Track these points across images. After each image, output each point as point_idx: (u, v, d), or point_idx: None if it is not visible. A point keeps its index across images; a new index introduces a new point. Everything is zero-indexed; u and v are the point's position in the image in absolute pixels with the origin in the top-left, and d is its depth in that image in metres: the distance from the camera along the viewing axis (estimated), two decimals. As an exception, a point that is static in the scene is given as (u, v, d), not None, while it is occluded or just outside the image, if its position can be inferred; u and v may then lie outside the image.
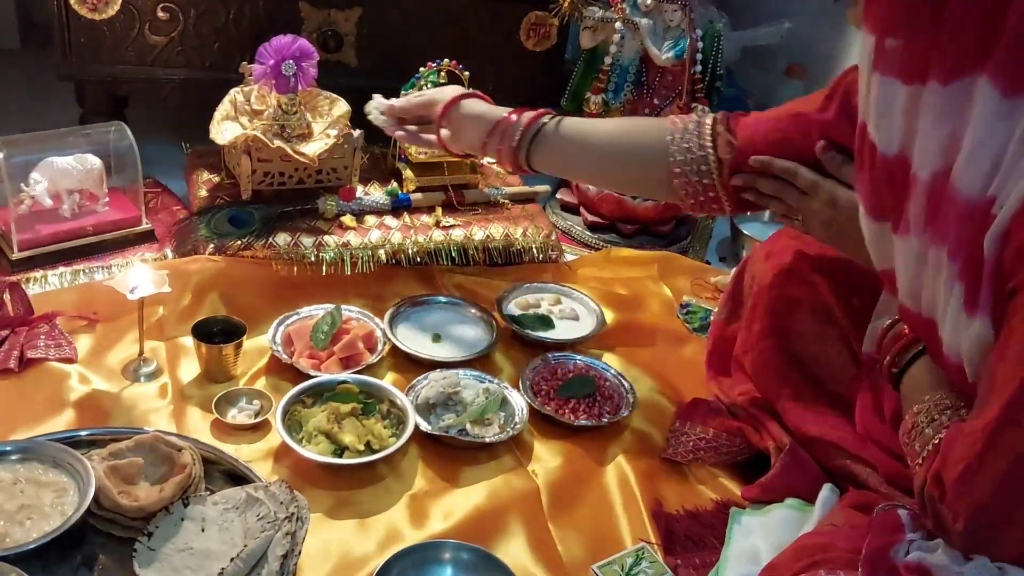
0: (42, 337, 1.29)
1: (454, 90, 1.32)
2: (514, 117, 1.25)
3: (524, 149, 1.24)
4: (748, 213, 1.27)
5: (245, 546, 0.96)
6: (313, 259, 1.49)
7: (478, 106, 1.30)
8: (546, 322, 1.51)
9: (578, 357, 1.43)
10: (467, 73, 1.64)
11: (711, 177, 1.15)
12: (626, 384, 1.38)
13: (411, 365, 1.39)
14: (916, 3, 0.79)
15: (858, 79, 0.90)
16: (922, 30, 0.79)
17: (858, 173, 0.93)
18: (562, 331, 1.50)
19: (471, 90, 1.32)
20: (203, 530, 1.00)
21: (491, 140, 1.26)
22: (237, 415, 1.23)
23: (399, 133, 1.37)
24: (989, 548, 0.81)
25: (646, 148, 1.20)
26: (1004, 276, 0.76)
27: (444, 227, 1.61)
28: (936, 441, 0.87)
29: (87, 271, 1.50)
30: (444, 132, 1.32)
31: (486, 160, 1.26)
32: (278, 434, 1.17)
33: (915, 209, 0.84)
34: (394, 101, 1.37)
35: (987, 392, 0.79)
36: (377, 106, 1.38)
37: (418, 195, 1.66)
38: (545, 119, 1.24)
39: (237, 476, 1.11)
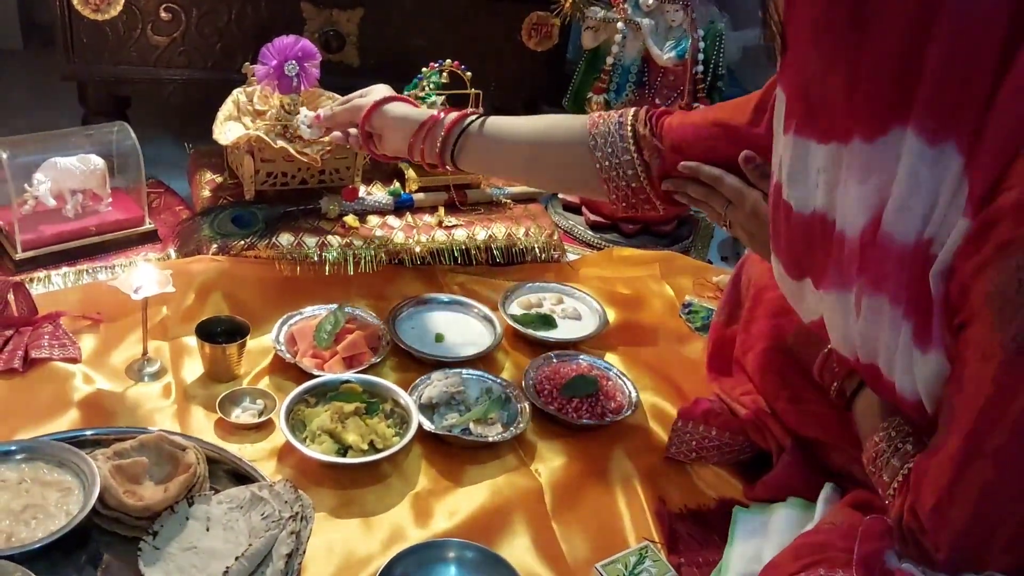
0: (46, 337, 1.30)
1: (378, 94, 1.32)
2: (440, 115, 1.25)
3: (449, 149, 1.24)
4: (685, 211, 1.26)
5: (250, 545, 0.96)
6: (316, 259, 1.49)
7: (401, 108, 1.30)
8: (548, 322, 1.51)
9: (580, 356, 1.43)
10: (469, 73, 1.65)
11: (639, 180, 1.16)
12: (628, 383, 1.38)
13: (414, 365, 1.39)
14: (829, 57, 0.79)
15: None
16: (838, 88, 0.79)
17: (774, 234, 0.94)
18: (564, 331, 1.50)
19: (394, 93, 1.33)
20: (208, 529, 1.00)
21: (416, 141, 1.27)
22: (241, 415, 1.23)
23: (335, 135, 1.38)
24: (975, 569, 0.82)
25: (569, 149, 1.20)
26: (952, 311, 0.78)
27: (447, 227, 1.62)
28: (905, 472, 0.88)
29: (90, 271, 1.50)
30: (368, 136, 1.33)
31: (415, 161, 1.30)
32: (282, 433, 1.17)
33: (842, 264, 0.84)
34: (320, 111, 1.41)
35: (948, 423, 0.80)
36: (303, 119, 1.43)
37: (420, 195, 1.66)
38: (470, 118, 1.24)
39: (241, 475, 1.11)
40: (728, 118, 1.10)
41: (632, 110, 1.18)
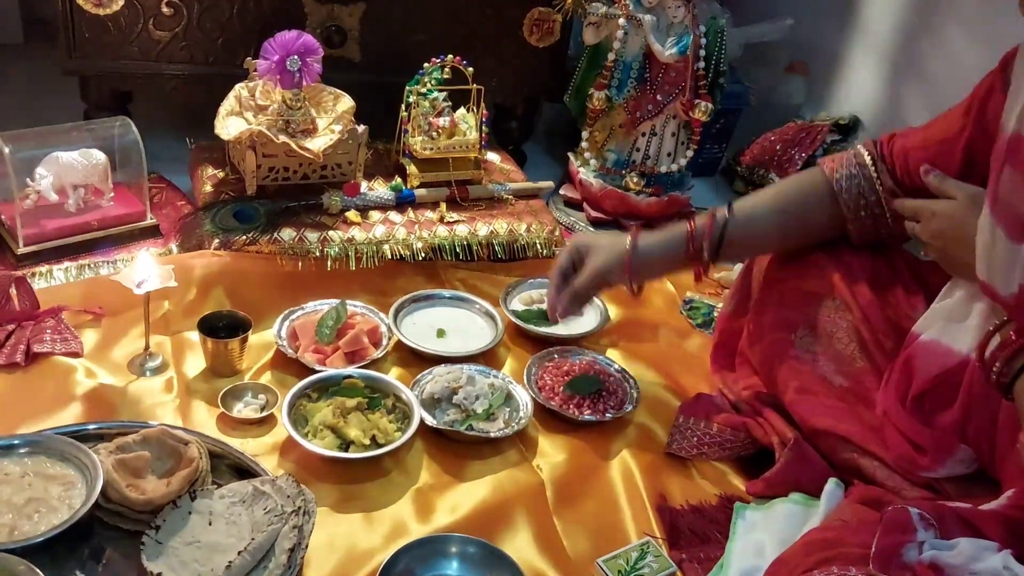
0: (48, 331, 1.30)
1: (610, 246, 1.25)
2: (689, 231, 1.24)
3: (713, 255, 1.25)
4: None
5: (252, 539, 0.97)
6: (318, 254, 1.50)
7: (652, 240, 1.26)
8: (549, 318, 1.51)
9: (582, 352, 1.43)
10: (471, 69, 1.65)
11: (881, 209, 1.20)
12: (630, 379, 1.38)
13: (415, 360, 1.39)
14: None
15: (990, 87, 0.90)
16: None
17: (1002, 193, 0.93)
18: (566, 327, 1.50)
19: (623, 234, 1.27)
20: (210, 523, 1.00)
21: (687, 265, 1.28)
22: (243, 409, 1.23)
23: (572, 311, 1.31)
24: None
25: (812, 203, 1.24)
26: None
27: (448, 223, 1.62)
28: None
29: (92, 266, 1.50)
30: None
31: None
32: (284, 428, 1.18)
33: None
34: (575, 288, 1.27)
35: None
36: (562, 315, 1.30)
37: (422, 191, 1.66)
38: (719, 223, 1.23)
39: (243, 470, 1.11)
40: (943, 133, 1.14)
41: (858, 147, 1.23)
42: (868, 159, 1.21)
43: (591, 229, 1.88)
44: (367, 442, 1.17)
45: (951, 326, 1.09)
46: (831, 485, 1.13)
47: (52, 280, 1.46)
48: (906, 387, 1.12)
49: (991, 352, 0.97)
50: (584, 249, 1.28)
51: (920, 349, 1.11)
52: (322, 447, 1.15)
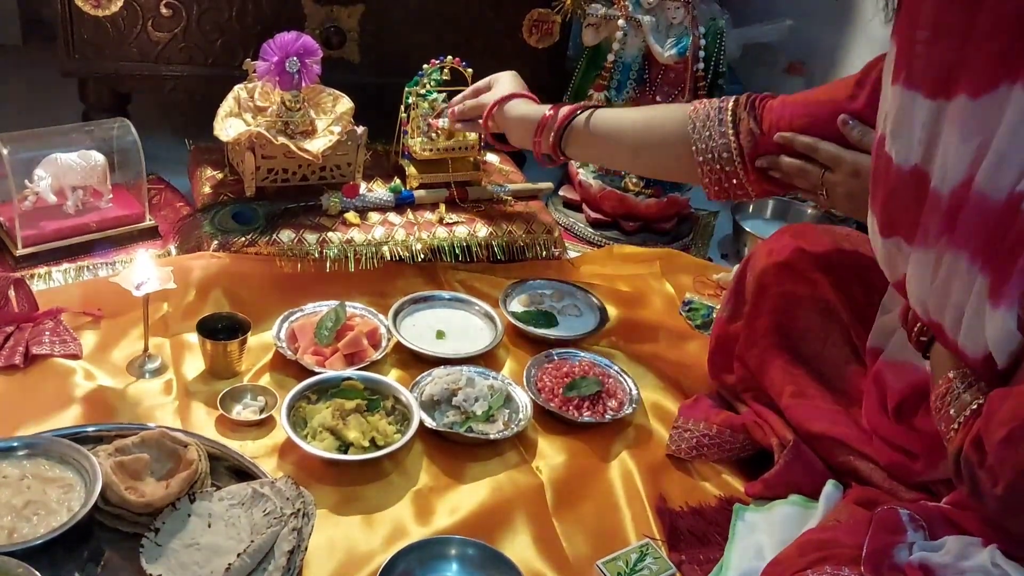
0: (47, 333, 1.30)
1: (502, 87, 1.48)
2: (553, 112, 1.36)
3: (560, 143, 1.36)
4: (772, 198, 1.32)
5: (252, 542, 0.96)
6: (317, 256, 1.49)
7: (519, 108, 1.43)
8: (549, 319, 1.51)
9: (581, 354, 1.43)
10: (470, 70, 1.65)
11: (732, 164, 1.20)
12: (629, 381, 1.38)
13: (415, 362, 1.39)
14: (945, 15, 0.79)
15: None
16: (950, 42, 0.79)
17: (873, 189, 0.94)
18: (565, 328, 1.50)
19: (515, 89, 1.47)
20: (209, 526, 1.00)
21: (539, 140, 1.40)
22: (242, 411, 1.23)
23: (458, 126, 1.58)
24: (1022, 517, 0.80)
25: (671, 137, 1.26)
26: None
27: (447, 224, 1.62)
28: (975, 406, 0.85)
29: (91, 267, 1.50)
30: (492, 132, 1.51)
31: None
32: (283, 430, 1.17)
33: (931, 221, 0.84)
34: (454, 105, 1.57)
35: None
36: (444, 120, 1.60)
37: (421, 192, 1.66)
38: (578, 113, 1.35)
39: (243, 472, 1.11)
40: (827, 96, 1.14)
41: (736, 96, 1.23)
42: (732, 104, 1.21)
43: (590, 230, 1.88)
44: (366, 444, 1.17)
45: (904, 341, 1.09)
46: (829, 487, 1.13)
47: (51, 282, 1.45)
48: (883, 400, 1.12)
49: (911, 315, 0.99)
50: (495, 81, 1.52)
51: (885, 367, 1.12)
52: (321, 449, 1.15)
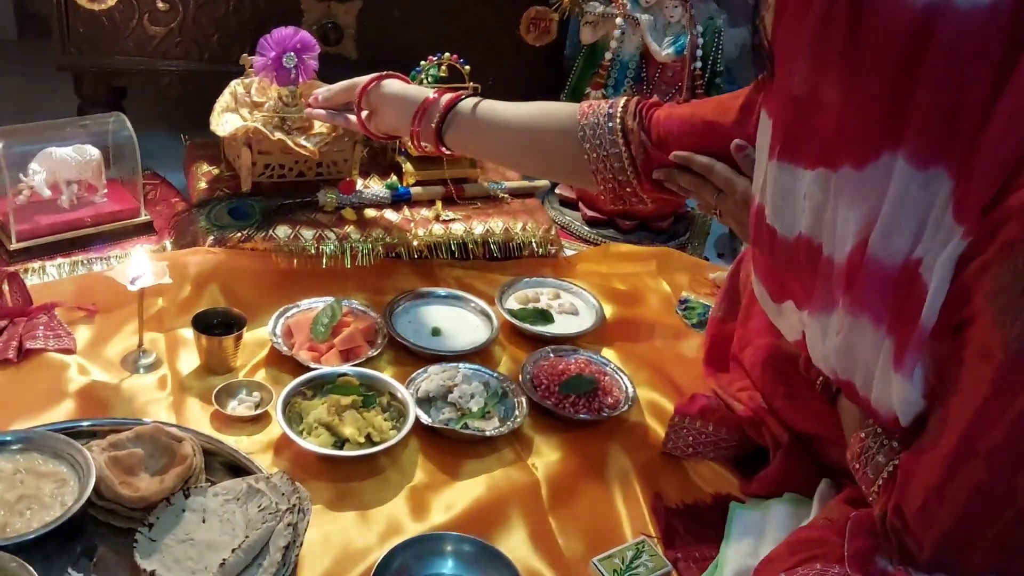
0: (41, 328, 1.29)
1: (374, 77, 1.37)
2: (437, 96, 1.28)
3: (441, 129, 1.27)
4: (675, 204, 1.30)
5: (246, 537, 0.96)
6: (313, 252, 1.49)
7: (399, 85, 1.33)
8: (545, 316, 1.51)
9: (578, 352, 1.43)
10: (468, 67, 1.64)
11: (625, 173, 1.17)
12: (625, 379, 1.38)
13: (410, 358, 1.39)
14: (820, 89, 0.79)
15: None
16: (828, 114, 0.79)
17: (756, 256, 0.94)
18: (561, 326, 1.50)
19: (389, 71, 1.37)
20: (204, 521, 1.00)
21: (414, 121, 1.30)
22: (237, 407, 1.23)
23: (320, 112, 1.43)
24: (956, 572, 0.82)
25: (560, 137, 1.21)
26: (950, 311, 0.77)
27: (444, 221, 1.61)
28: (891, 469, 0.87)
29: (85, 262, 1.49)
30: (363, 114, 1.38)
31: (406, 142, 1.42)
32: (278, 426, 1.17)
33: (826, 287, 0.84)
34: (318, 91, 1.44)
35: (940, 422, 0.80)
36: (314, 98, 1.45)
37: (418, 189, 1.66)
38: (464, 100, 1.27)
39: (237, 467, 1.11)
40: (714, 117, 1.11)
41: (623, 101, 1.19)
42: (620, 111, 1.17)
43: (586, 228, 1.88)
44: (362, 440, 1.17)
45: None
46: (824, 486, 1.13)
47: (45, 276, 1.45)
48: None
49: (813, 369, 1.00)
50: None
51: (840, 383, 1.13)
52: (317, 445, 1.15)
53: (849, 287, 0.82)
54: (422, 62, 1.63)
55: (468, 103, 1.27)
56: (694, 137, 1.12)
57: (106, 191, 1.56)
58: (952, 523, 0.80)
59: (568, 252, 1.76)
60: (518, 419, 1.26)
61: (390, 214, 1.60)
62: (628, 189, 1.18)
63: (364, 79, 1.36)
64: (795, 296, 0.91)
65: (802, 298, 0.89)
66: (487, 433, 1.22)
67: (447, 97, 1.27)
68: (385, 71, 1.38)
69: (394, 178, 1.67)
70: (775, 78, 0.85)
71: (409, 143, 1.40)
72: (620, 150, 1.15)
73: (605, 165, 1.17)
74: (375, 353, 1.35)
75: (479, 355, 1.41)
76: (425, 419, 1.22)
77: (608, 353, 1.46)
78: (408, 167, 1.68)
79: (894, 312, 0.80)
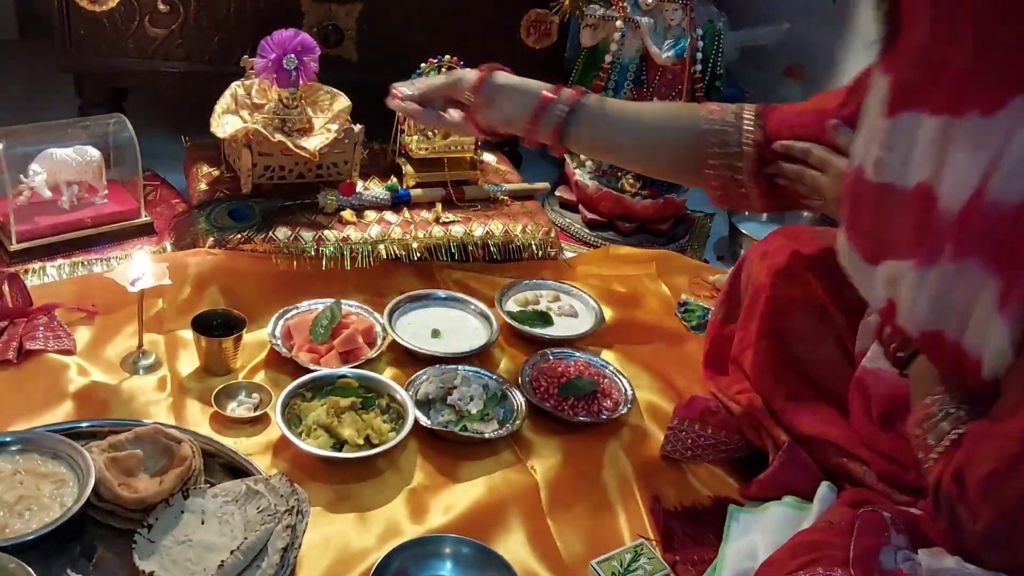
0: (41, 328, 1.29)
1: (479, 69, 1.25)
2: (552, 96, 1.21)
3: (562, 129, 1.21)
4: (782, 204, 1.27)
5: (245, 539, 0.96)
6: (313, 253, 1.49)
7: (511, 78, 1.25)
8: (545, 319, 1.51)
9: (577, 354, 1.43)
10: (468, 70, 1.64)
11: (742, 173, 1.18)
12: (624, 381, 1.38)
13: (410, 360, 1.39)
14: (952, 31, 0.79)
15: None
16: (955, 65, 0.79)
17: (852, 217, 0.94)
18: (561, 328, 1.50)
19: (494, 64, 1.26)
20: (203, 522, 1.00)
21: (534, 124, 1.21)
22: (236, 408, 1.23)
23: (413, 107, 1.26)
24: (1005, 551, 0.80)
25: (684, 134, 1.21)
26: None
27: (444, 223, 1.61)
28: (954, 437, 0.85)
29: (85, 263, 1.50)
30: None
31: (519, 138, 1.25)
32: (277, 428, 1.17)
33: (936, 234, 0.83)
34: (417, 82, 1.28)
35: (1021, 392, 0.78)
36: (400, 93, 1.26)
37: (418, 191, 1.66)
38: (589, 96, 1.22)
39: (236, 469, 1.11)
40: (821, 104, 1.14)
41: (750, 105, 1.21)
42: (749, 113, 1.19)
43: (586, 230, 1.88)
44: (361, 442, 1.17)
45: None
46: (823, 488, 1.12)
47: (45, 277, 1.45)
48: (867, 406, 1.12)
49: (888, 333, 0.99)
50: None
51: (866, 374, 1.12)
52: (316, 447, 1.15)
53: (960, 231, 0.81)
54: (422, 64, 1.64)
55: (593, 98, 1.22)
56: (798, 128, 1.14)
57: (106, 192, 1.56)
58: (1017, 498, 0.77)
59: (568, 254, 1.77)
60: (517, 421, 1.26)
61: (390, 216, 1.60)
62: (741, 189, 1.19)
63: (467, 74, 1.24)
64: (897, 251, 0.89)
65: (906, 251, 0.88)
66: (486, 435, 1.23)
67: (567, 93, 1.21)
68: (493, 65, 1.26)
69: (394, 180, 1.67)
70: (902, 31, 0.85)
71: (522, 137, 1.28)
72: (743, 149, 1.17)
73: (724, 163, 1.18)
74: (374, 355, 1.35)
75: (478, 357, 1.41)
76: (424, 421, 1.22)
77: (607, 355, 1.46)
78: (408, 169, 1.68)
79: (1007, 252, 0.78)
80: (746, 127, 1.18)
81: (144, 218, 1.58)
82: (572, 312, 1.55)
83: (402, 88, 1.27)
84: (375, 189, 1.64)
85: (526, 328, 1.48)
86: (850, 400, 1.18)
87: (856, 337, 1.20)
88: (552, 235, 1.70)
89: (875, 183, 0.89)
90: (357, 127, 1.60)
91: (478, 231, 1.62)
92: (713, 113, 1.21)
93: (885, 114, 0.87)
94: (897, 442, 1.10)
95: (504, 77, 1.25)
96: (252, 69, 1.56)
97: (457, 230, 1.61)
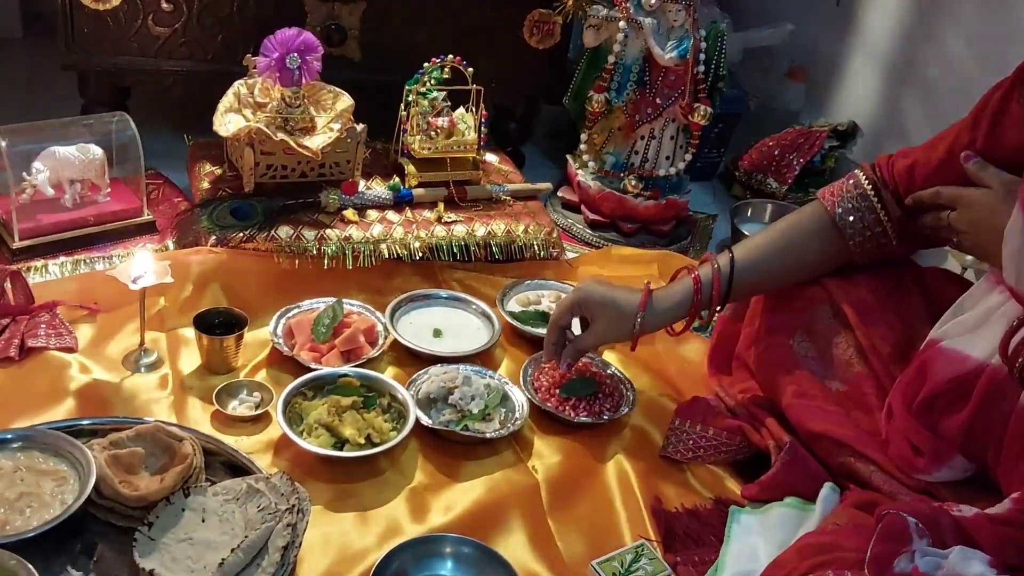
0: (43, 326, 1.29)
1: (616, 316, 1.24)
2: (693, 287, 1.22)
3: (722, 303, 1.25)
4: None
5: (245, 537, 0.96)
6: (315, 252, 1.49)
7: (657, 316, 1.24)
8: (546, 319, 1.50)
9: (578, 354, 1.42)
10: (471, 69, 1.64)
11: (887, 237, 1.20)
12: (626, 382, 1.38)
13: (411, 360, 1.39)
14: None
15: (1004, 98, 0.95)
16: None
17: None
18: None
19: (630, 294, 1.25)
20: (203, 520, 1.00)
21: (691, 315, 1.25)
22: (238, 407, 1.23)
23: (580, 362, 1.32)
24: None
25: (824, 237, 1.23)
26: None
27: (446, 223, 1.61)
28: None
29: (88, 261, 1.50)
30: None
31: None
32: (278, 426, 1.17)
33: None
34: (579, 347, 1.29)
35: None
36: (566, 369, 1.30)
37: (420, 190, 1.66)
38: (725, 272, 1.22)
39: (237, 467, 1.11)
40: (948, 151, 1.13)
41: (859, 174, 1.22)
42: (869, 186, 1.20)
43: (588, 231, 1.88)
44: (362, 441, 1.17)
45: (969, 333, 1.09)
46: (827, 489, 1.13)
47: (47, 275, 1.45)
48: (916, 391, 1.11)
49: (1015, 347, 0.99)
50: (588, 309, 1.26)
51: (937, 354, 1.11)
52: (317, 446, 1.15)
53: None
54: (425, 64, 1.63)
55: (724, 265, 1.22)
56: (935, 177, 1.14)
57: (109, 190, 1.56)
58: None
59: (570, 255, 1.76)
60: (518, 421, 1.26)
61: (392, 215, 1.60)
62: (888, 252, 1.22)
63: (622, 332, 1.24)
64: None
65: None
66: (487, 435, 1.22)
67: (707, 279, 1.22)
68: (634, 300, 1.24)
69: (396, 179, 1.67)
70: None
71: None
72: (882, 220, 1.19)
73: (865, 236, 1.21)
74: (376, 354, 1.35)
75: (480, 357, 1.41)
76: (425, 420, 1.22)
77: (609, 356, 1.46)
78: (410, 169, 1.68)
79: None
80: (877, 201, 1.19)
81: (146, 216, 1.58)
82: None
83: (563, 360, 1.29)
84: (377, 188, 1.64)
85: (528, 328, 1.47)
86: (898, 380, 1.16)
87: (874, 334, 1.20)
88: (554, 235, 1.70)
89: None
90: (360, 126, 1.60)
91: (480, 231, 1.62)
92: (835, 202, 1.21)
93: None
94: (920, 432, 1.09)
95: (652, 317, 1.23)
96: (255, 68, 1.56)
97: (459, 230, 1.61)
